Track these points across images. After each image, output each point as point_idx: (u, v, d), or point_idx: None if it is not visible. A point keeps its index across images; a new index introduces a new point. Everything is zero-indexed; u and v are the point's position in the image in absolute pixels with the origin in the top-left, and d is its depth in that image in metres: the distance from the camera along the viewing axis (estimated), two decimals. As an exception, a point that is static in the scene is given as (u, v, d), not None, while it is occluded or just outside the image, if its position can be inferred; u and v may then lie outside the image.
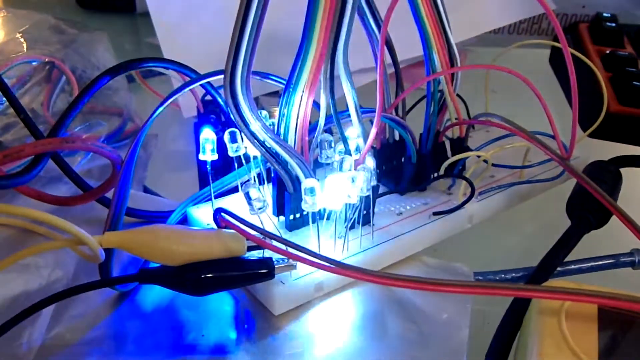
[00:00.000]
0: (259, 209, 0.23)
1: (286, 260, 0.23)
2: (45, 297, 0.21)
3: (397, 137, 0.29)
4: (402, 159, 0.29)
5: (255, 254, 0.23)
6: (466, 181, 0.28)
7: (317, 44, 0.22)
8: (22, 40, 0.36)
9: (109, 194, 0.26)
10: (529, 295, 0.22)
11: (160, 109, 0.24)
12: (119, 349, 0.22)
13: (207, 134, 0.25)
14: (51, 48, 0.37)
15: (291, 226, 0.26)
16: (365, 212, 0.26)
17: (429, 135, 0.29)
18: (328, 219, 0.25)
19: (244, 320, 0.23)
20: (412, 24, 0.27)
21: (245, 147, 0.26)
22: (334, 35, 0.22)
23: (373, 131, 0.25)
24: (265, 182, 0.27)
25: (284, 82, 0.24)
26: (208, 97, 0.31)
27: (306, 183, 0.23)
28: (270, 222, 0.25)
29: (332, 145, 0.26)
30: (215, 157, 0.25)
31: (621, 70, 0.43)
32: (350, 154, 0.25)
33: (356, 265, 0.21)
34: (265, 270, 0.22)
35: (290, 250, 0.21)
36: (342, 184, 0.23)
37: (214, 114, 0.32)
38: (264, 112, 0.26)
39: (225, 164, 0.28)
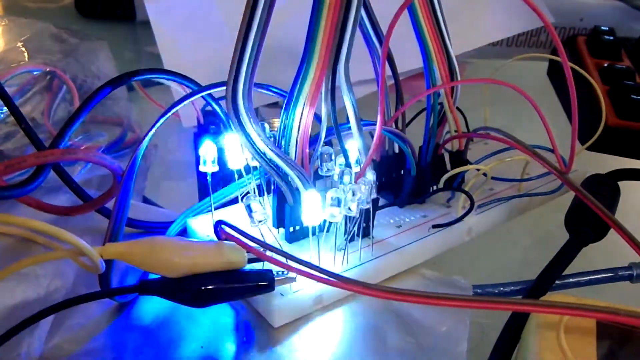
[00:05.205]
0: (260, 221, 0.23)
1: (286, 273, 0.23)
2: (44, 307, 0.21)
3: (396, 150, 0.29)
4: (402, 172, 0.29)
5: (255, 266, 0.23)
6: (465, 194, 0.29)
7: (319, 57, 0.22)
8: (23, 49, 0.36)
9: (109, 204, 0.26)
10: (527, 309, 0.22)
11: (161, 120, 0.25)
12: (118, 360, 0.22)
13: (208, 146, 0.25)
14: (52, 57, 0.37)
15: (291, 238, 0.26)
16: (364, 224, 0.26)
17: (428, 148, 0.29)
18: (328, 231, 0.25)
19: (244, 332, 0.23)
20: (412, 36, 0.27)
21: (246, 159, 0.26)
22: (335, 49, 0.22)
23: (374, 144, 0.25)
24: (266, 193, 0.27)
25: (286, 94, 0.24)
26: (208, 108, 0.31)
27: (306, 195, 0.23)
28: (270, 234, 0.25)
29: (333, 157, 0.26)
30: (216, 168, 0.26)
31: (619, 83, 0.43)
32: (351, 167, 0.25)
33: (356, 279, 0.21)
34: (265, 283, 0.22)
35: (290, 263, 0.21)
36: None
37: (213, 124, 0.32)
38: (266, 125, 0.26)
39: (225, 175, 0.28)
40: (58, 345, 0.22)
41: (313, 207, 0.23)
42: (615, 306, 0.20)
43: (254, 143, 0.23)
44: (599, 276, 0.28)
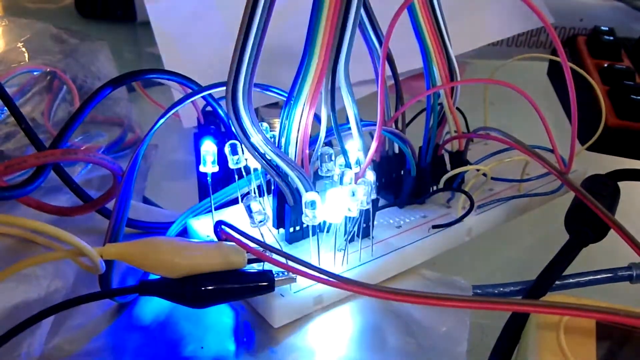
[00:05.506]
0: (260, 221, 0.23)
1: (286, 273, 0.23)
2: (44, 307, 0.21)
3: (396, 150, 0.29)
4: (402, 172, 0.30)
5: (256, 267, 0.23)
6: (465, 194, 0.29)
7: (319, 58, 0.22)
8: (23, 49, 0.36)
9: (109, 205, 0.26)
10: (527, 310, 0.22)
11: (161, 121, 0.25)
12: (118, 360, 0.22)
13: (208, 146, 0.25)
14: (52, 58, 0.37)
15: (291, 239, 0.26)
16: (365, 225, 0.26)
17: (428, 149, 0.29)
18: (328, 231, 0.25)
19: (244, 332, 0.23)
20: (412, 36, 0.27)
21: (246, 159, 0.26)
22: (335, 50, 0.22)
23: (374, 145, 0.25)
24: (266, 194, 0.27)
25: (286, 95, 0.24)
26: (208, 108, 0.31)
27: (307, 196, 0.23)
28: (270, 234, 0.26)
29: (333, 158, 0.26)
30: (216, 169, 0.26)
31: (619, 83, 0.43)
32: (351, 167, 0.25)
33: (355, 279, 0.21)
34: (265, 283, 0.22)
35: (290, 263, 0.21)
36: (342, 197, 0.23)
37: (214, 124, 0.32)
38: (265, 125, 0.26)
39: (225, 175, 0.28)
40: (58, 346, 0.22)
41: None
42: (614, 306, 0.20)
43: (254, 143, 0.23)
44: (598, 277, 0.28)
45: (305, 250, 0.25)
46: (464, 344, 0.23)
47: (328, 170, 0.26)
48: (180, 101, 0.25)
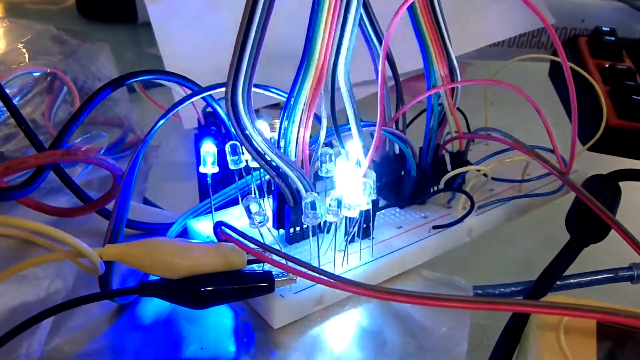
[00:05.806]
0: (260, 222, 0.23)
1: (286, 274, 0.23)
2: (44, 308, 0.21)
3: (397, 151, 0.29)
4: (402, 173, 0.29)
5: (255, 268, 0.23)
6: (466, 195, 0.29)
7: (319, 59, 0.22)
8: (24, 50, 0.36)
9: (109, 206, 0.26)
10: (527, 310, 0.22)
11: (162, 121, 0.25)
12: (118, 361, 0.22)
13: (208, 147, 0.25)
14: (53, 59, 0.37)
15: (291, 239, 0.26)
16: (365, 225, 0.26)
17: (429, 149, 0.29)
18: (328, 232, 0.25)
19: (243, 333, 0.23)
20: (412, 36, 0.27)
21: (246, 160, 0.26)
22: (335, 50, 0.22)
23: (374, 145, 0.25)
24: (266, 194, 0.27)
25: (285, 95, 0.24)
26: (209, 109, 0.31)
27: (307, 197, 0.23)
28: (270, 235, 0.25)
29: (333, 158, 0.26)
30: (216, 169, 0.26)
31: (620, 84, 0.43)
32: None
33: (356, 280, 0.21)
34: (265, 284, 0.22)
35: (290, 264, 0.21)
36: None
37: (214, 125, 0.32)
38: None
39: (225, 176, 0.28)
40: (58, 347, 0.22)
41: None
42: (615, 307, 0.20)
43: (254, 144, 0.23)
44: (599, 277, 0.28)
45: (305, 251, 0.25)
46: (464, 344, 0.23)
47: (328, 170, 0.26)
48: (181, 102, 0.25)
